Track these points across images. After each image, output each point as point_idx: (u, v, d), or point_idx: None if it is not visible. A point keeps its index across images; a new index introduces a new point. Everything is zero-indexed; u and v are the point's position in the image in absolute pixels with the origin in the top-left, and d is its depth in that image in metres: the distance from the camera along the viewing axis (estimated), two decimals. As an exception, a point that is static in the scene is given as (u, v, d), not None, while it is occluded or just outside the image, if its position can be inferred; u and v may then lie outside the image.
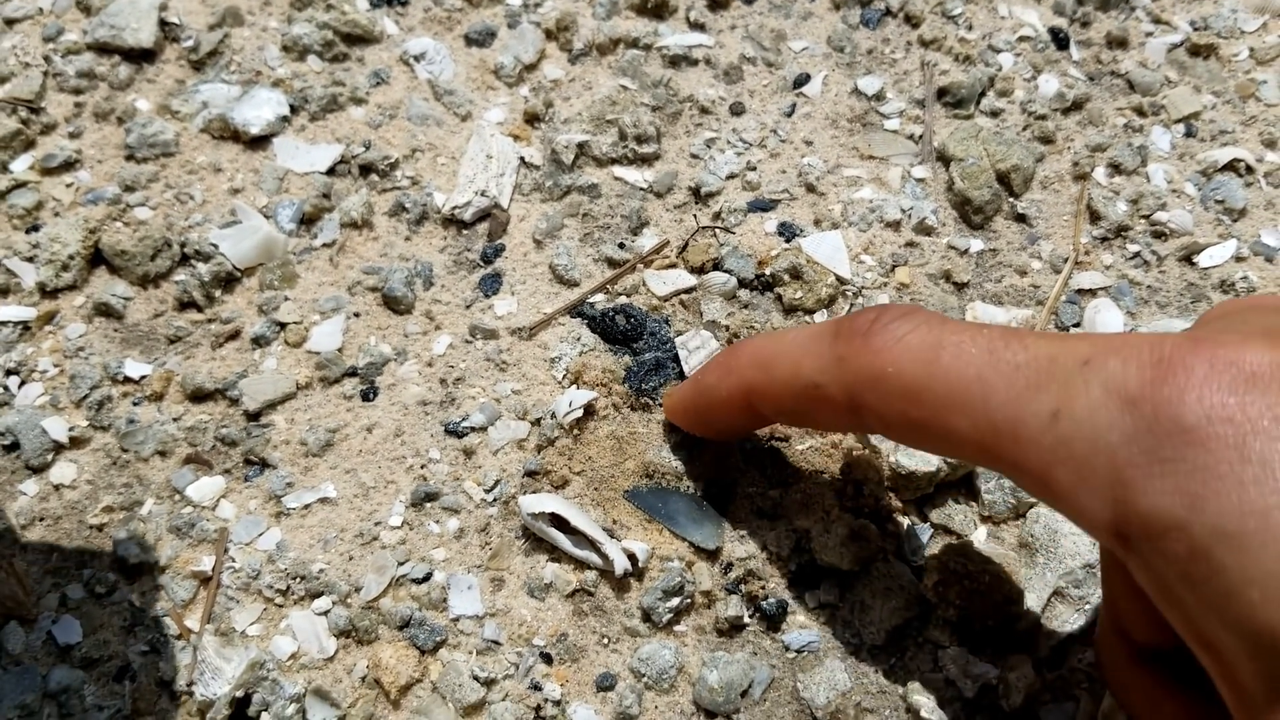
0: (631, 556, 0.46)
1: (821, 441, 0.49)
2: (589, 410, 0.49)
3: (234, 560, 0.46)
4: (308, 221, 0.55)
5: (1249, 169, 0.58)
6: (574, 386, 0.50)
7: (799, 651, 0.45)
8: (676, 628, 0.46)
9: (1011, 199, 0.57)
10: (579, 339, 0.52)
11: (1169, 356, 0.31)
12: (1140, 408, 0.30)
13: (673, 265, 0.54)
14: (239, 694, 0.43)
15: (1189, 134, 0.60)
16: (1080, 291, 0.54)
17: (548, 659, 0.45)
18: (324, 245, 0.54)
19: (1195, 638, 0.30)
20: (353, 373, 0.51)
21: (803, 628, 0.46)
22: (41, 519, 0.47)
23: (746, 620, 0.46)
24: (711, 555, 0.47)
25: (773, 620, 0.46)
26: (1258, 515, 0.28)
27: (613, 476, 0.48)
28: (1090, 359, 0.32)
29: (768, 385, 0.41)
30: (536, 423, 0.50)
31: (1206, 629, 0.29)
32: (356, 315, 0.52)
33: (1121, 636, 0.39)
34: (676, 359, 0.51)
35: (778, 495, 0.48)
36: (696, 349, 0.50)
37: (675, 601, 0.45)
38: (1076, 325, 0.53)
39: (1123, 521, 0.31)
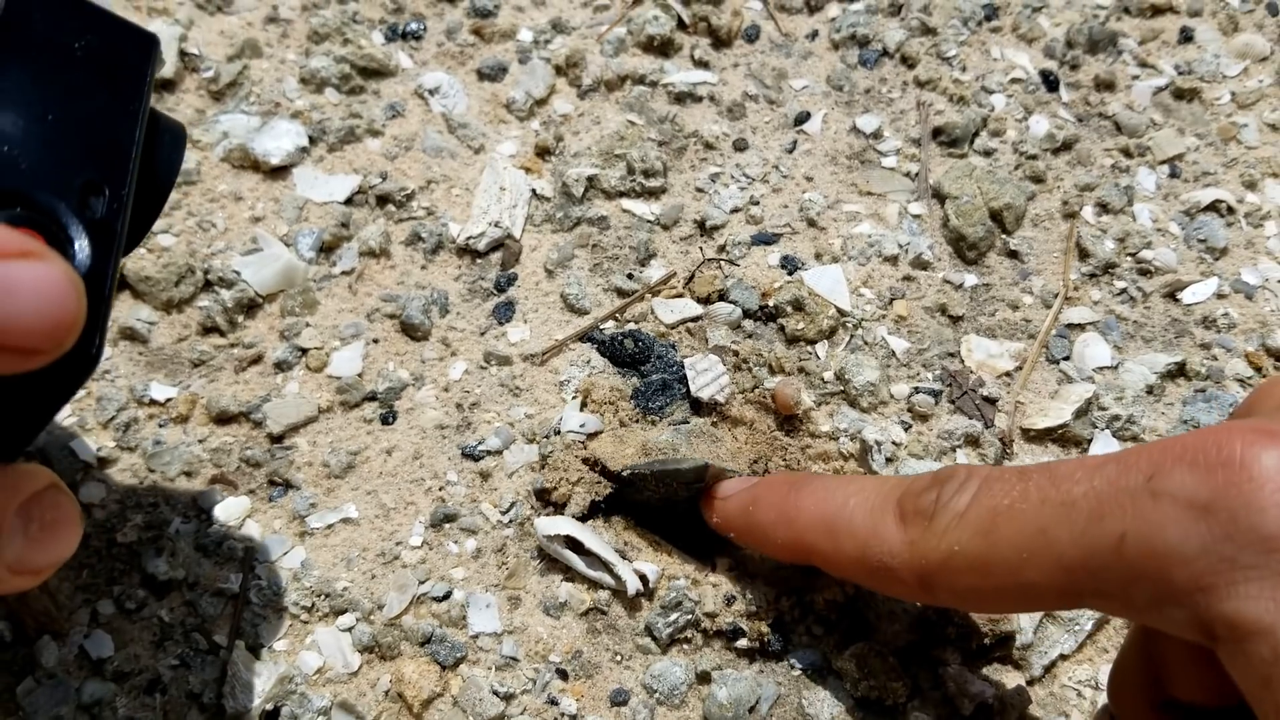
0: (643, 578, 0.48)
1: (824, 468, 0.51)
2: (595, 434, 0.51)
3: (260, 578, 0.48)
4: (327, 250, 0.56)
5: (1230, 209, 0.61)
6: (583, 406, 0.52)
7: (804, 670, 0.47)
8: (686, 645, 0.48)
9: (1004, 236, 0.59)
10: (589, 362, 0.54)
11: (1240, 457, 0.31)
12: (1215, 515, 0.30)
13: (680, 295, 0.56)
14: (268, 707, 0.45)
15: (1173, 175, 0.62)
16: (1070, 326, 0.57)
17: (563, 675, 0.47)
18: (343, 273, 0.56)
19: None
20: (372, 397, 0.53)
21: (808, 647, 0.48)
22: (72, 537, 0.49)
23: (751, 644, 0.48)
24: (713, 565, 0.49)
25: (777, 656, 0.48)
26: None
27: (612, 459, 0.50)
28: (1154, 473, 0.32)
29: (833, 555, 0.42)
30: (547, 438, 0.52)
31: None
32: (375, 341, 0.54)
33: (1150, 688, 0.39)
34: (683, 380, 0.53)
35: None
36: (704, 370, 0.52)
37: (674, 617, 0.47)
38: (1066, 359, 0.56)
39: (1208, 625, 0.31)
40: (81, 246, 0.32)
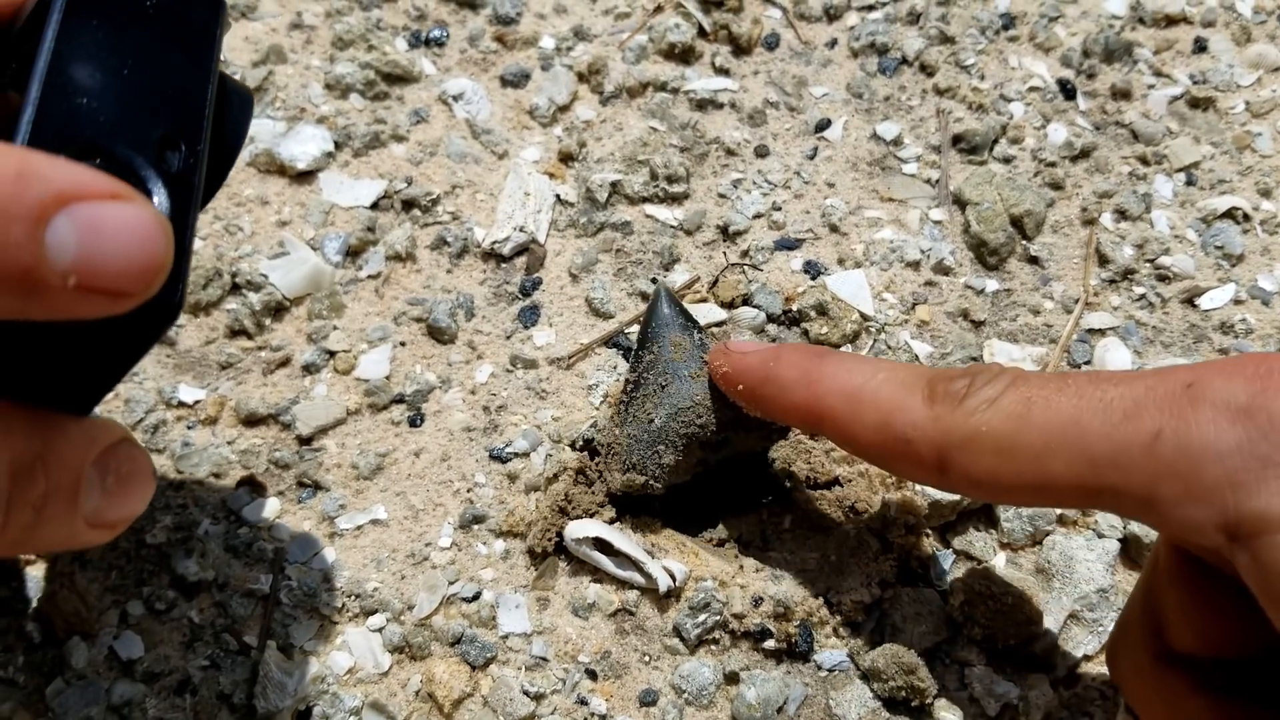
0: (671, 576, 0.48)
1: (849, 470, 0.52)
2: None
3: (290, 579, 0.48)
4: (353, 254, 0.57)
5: (1246, 216, 0.61)
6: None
7: (831, 671, 0.48)
8: (714, 646, 0.48)
9: (1024, 242, 0.60)
10: (615, 368, 0.54)
11: (1278, 369, 0.33)
12: (1254, 417, 0.32)
13: (704, 300, 0.57)
14: (300, 707, 0.45)
15: (1190, 182, 0.63)
16: (1090, 331, 0.57)
17: (593, 675, 0.47)
18: (369, 277, 0.56)
19: None
20: (400, 400, 0.53)
21: (834, 648, 0.48)
22: (102, 537, 0.49)
23: (779, 645, 0.48)
24: (740, 567, 0.49)
25: (804, 657, 0.48)
26: None
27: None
28: (1193, 382, 0.34)
29: (851, 424, 0.41)
30: (572, 445, 0.52)
31: None
32: (402, 344, 0.55)
33: (1151, 640, 0.40)
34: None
35: (811, 534, 0.50)
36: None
37: (703, 618, 0.48)
38: (1087, 363, 0.56)
39: (1234, 523, 0.32)
40: (160, 200, 0.32)
